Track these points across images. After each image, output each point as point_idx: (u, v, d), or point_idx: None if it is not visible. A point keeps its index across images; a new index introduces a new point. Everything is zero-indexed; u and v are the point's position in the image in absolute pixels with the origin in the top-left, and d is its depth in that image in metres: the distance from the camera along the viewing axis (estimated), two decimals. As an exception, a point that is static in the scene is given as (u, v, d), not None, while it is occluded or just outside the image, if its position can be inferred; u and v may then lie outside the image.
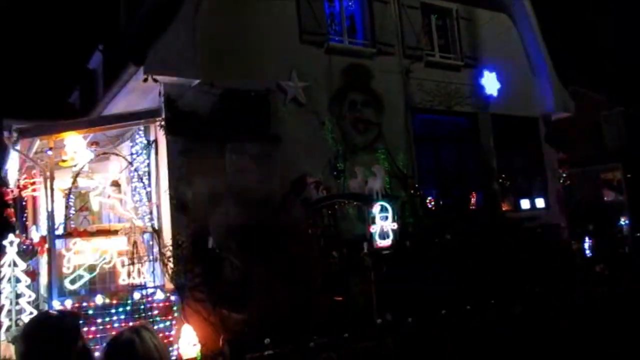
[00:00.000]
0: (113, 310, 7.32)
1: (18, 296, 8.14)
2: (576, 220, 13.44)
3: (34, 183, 10.04)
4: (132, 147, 9.40)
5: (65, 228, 8.19)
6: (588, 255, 12.61)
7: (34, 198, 11.47)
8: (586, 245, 12.73)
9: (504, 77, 12.58)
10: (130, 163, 9.08)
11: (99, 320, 7.16)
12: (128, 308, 7.42)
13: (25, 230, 11.42)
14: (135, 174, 9.01)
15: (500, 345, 7.96)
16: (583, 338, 8.02)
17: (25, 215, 11.91)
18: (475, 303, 9.11)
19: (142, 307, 7.52)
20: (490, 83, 12.39)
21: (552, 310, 9.43)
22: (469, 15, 12.55)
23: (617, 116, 15.34)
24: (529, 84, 13.29)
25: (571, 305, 9.75)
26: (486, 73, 12.41)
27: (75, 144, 8.08)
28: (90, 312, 7.15)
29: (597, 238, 12.95)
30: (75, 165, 8.44)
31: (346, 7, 11.07)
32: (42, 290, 8.56)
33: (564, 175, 13.61)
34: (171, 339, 7.54)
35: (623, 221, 13.87)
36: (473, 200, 12.00)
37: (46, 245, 7.87)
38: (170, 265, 8.05)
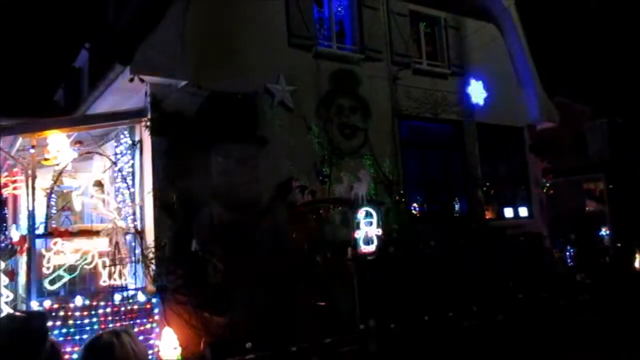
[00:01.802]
0: (93, 312, 7.21)
1: (-5, 296, 7.99)
2: (558, 230, 13.59)
3: (15, 181, 9.88)
4: (116, 147, 9.31)
5: (46, 227, 8.08)
6: (570, 264, 12.75)
7: (15, 196, 11.29)
8: (568, 255, 12.87)
9: (490, 86, 12.71)
10: (114, 163, 8.99)
11: (79, 322, 7.04)
12: (108, 310, 7.32)
13: (4, 229, 11.22)
14: (119, 174, 8.92)
15: (482, 351, 8.01)
16: (564, 344, 8.12)
17: (5, 213, 11.71)
18: (458, 310, 9.15)
19: (123, 309, 7.43)
20: (477, 92, 12.52)
21: (534, 317, 9.52)
22: (457, 24, 12.67)
23: (600, 127, 15.57)
24: (515, 94, 13.43)
25: (553, 313, 9.85)
26: (473, 82, 12.54)
27: (58, 143, 7.98)
28: (70, 313, 7.03)
29: (579, 247, 13.09)
30: (57, 164, 8.34)
31: (335, 12, 11.11)
32: (21, 291, 8.41)
33: (548, 184, 13.76)
34: (152, 341, 7.46)
35: (604, 231, 14.04)
36: (457, 207, 12.07)
37: (26, 245, 7.75)
38: (153, 267, 7.97)
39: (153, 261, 8.00)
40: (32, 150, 7.93)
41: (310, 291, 8.60)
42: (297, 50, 10.11)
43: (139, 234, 8.38)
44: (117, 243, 8.05)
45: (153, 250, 8.03)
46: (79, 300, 7.20)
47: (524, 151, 13.59)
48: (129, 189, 8.72)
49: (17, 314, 4.69)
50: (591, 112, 16.02)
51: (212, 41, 9.12)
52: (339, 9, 11.22)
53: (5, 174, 9.83)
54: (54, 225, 8.59)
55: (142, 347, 6.81)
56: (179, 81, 8.55)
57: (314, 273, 8.69)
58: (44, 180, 8.85)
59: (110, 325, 7.09)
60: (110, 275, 7.97)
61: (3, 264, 8.04)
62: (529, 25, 13.74)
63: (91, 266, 7.99)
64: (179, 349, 7.34)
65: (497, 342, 8.26)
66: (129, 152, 8.94)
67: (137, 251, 8.23)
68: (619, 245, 13.03)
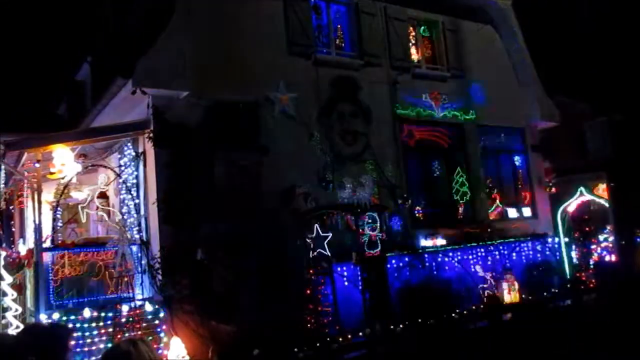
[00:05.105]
0: (101, 323, 7.27)
1: (4, 310, 8.06)
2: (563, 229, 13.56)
3: (21, 195, 9.98)
4: (120, 158, 9.39)
5: (52, 241, 8.15)
6: (574, 263, 12.75)
7: (21, 210, 11.39)
8: (572, 253, 12.86)
9: (490, 87, 12.76)
10: (119, 175, 9.07)
11: (87, 334, 7.11)
12: (116, 320, 7.37)
13: (12, 243, 11.32)
14: (124, 185, 9.00)
15: (489, 351, 8.03)
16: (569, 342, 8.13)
17: (12, 227, 11.80)
18: (463, 310, 9.18)
19: (131, 319, 7.48)
20: (477, 94, 12.57)
21: (540, 317, 9.53)
22: (455, 27, 12.72)
23: (601, 125, 15.54)
24: (515, 94, 13.46)
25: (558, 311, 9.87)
26: (472, 84, 12.59)
27: (63, 156, 8.08)
28: (78, 325, 7.10)
29: (584, 246, 13.08)
30: (63, 178, 8.43)
31: (334, 19, 11.19)
32: (29, 304, 8.48)
33: (550, 184, 13.75)
34: (160, 351, 7.51)
35: (608, 229, 14.00)
36: (461, 209, 12.09)
37: (33, 259, 7.82)
38: (159, 277, 8.04)
39: (159, 271, 8.07)
40: (37, 165, 8.02)
41: (316, 296, 8.64)
42: (297, 58, 10.20)
43: (145, 244, 8.45)
44: (123, 254, 8.11)
45: (159, 260, 8.10)
46: (87, 312, 7.27)
47: (526, 151, 13.61)
48: (133, 200, 8.79)
49: (42, 323, 4.73)
50: (591, 110, 16.00)
51: (212, 51, 9.22)
52: (337, 16, 11.30)
53: (12, 188, 9.94)
54: (60, 238, 8.66)
55: (158, 356, 6.88)
56: (181, 92, 8.65)
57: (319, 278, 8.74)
58: (49, 193, 8.94)
59: (119, 336, 7.16)
60: (117, 286, 8.03)
61: (11, 278, 8.12)
62: (527, 25, 13.78)
63: (98, 277, 8.07)
64: (187, 358, 7.39)
65: (503, 343, 8.27)
66: (133, 163, 9.02)
67: (143, 262, 8.30)
68: (623, 243, 13.02)
